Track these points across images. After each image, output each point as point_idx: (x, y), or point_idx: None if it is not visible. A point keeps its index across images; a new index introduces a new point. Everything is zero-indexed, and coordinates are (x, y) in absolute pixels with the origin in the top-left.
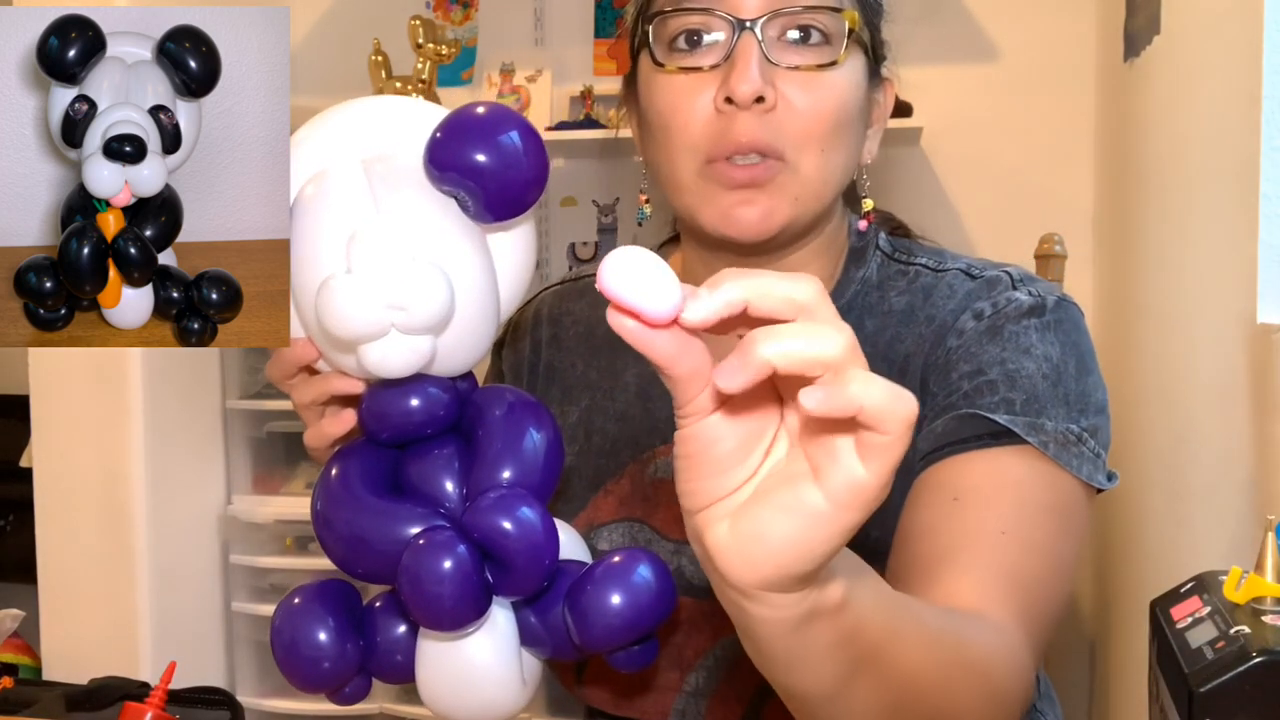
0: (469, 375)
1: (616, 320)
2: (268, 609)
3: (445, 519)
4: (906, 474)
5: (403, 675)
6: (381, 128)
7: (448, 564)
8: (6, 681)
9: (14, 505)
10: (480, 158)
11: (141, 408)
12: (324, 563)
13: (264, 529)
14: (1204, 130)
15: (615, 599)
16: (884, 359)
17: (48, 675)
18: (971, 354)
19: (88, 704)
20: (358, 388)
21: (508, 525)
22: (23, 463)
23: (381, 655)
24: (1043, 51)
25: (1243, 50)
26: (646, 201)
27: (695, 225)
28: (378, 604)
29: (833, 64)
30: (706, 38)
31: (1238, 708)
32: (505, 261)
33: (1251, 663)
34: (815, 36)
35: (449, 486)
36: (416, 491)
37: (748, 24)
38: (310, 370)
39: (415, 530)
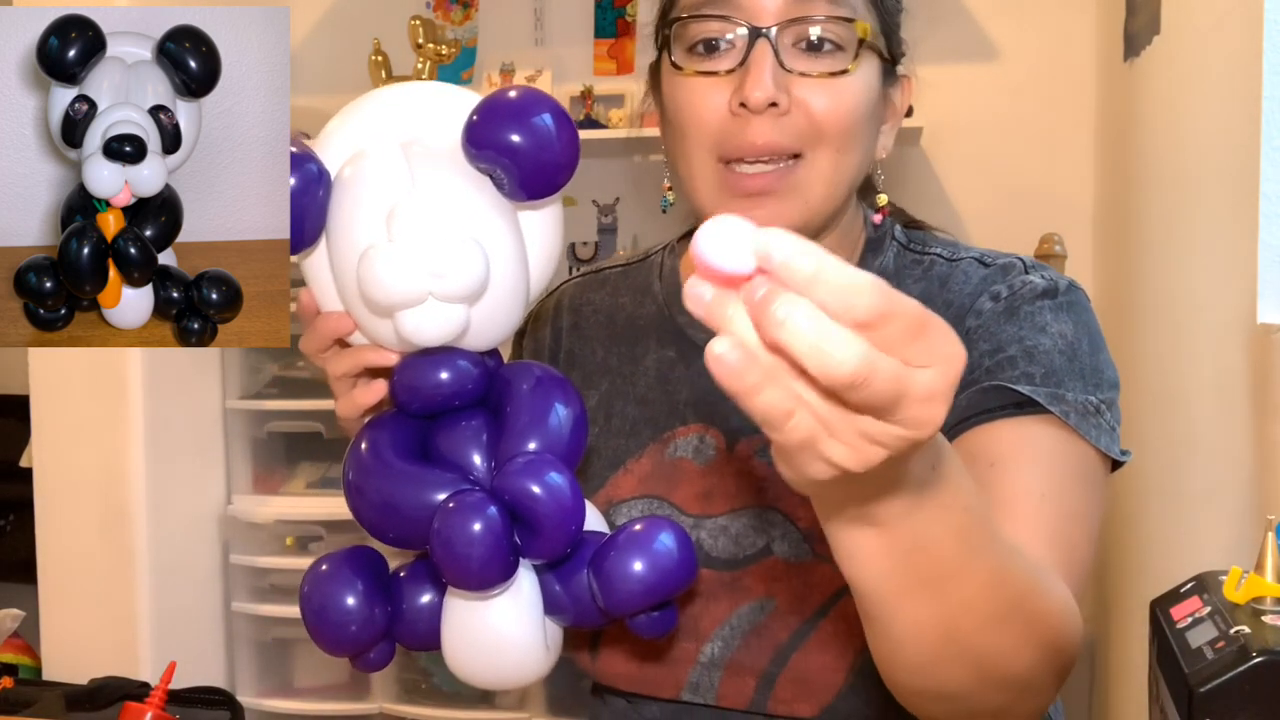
0: (495, 352)
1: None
2: (268, 609)
3: (473, 486)
4: None
5: (427, 642)
6: (415, 112)
7: (478, 525)
8: (6, 681)
9: (14, 505)
10: (516, 137)
11: (141, 408)
12: None
13: (264, 529)
14: (1204, 130)
15: (639, 563)
16: None
17: (48, 675)
18: (990, 333)
19: (88, 704)
20: (390, 360)
21: (537, 489)
22: (23, 463)
23: (407, 622)
24: (1043, 51)
25: (1243, 50)
26: (670, 189)
27: None
28: (403, 573)
29: (844, 72)
30: (723, 44)
31: (1238, 708)
32: (535, 240)
33: (1251, 663)
34: (828, 45)
35: (476, 459)
36: (446, 462)
37: (763, 31)
38: (342, 343)
39: (444, 495)
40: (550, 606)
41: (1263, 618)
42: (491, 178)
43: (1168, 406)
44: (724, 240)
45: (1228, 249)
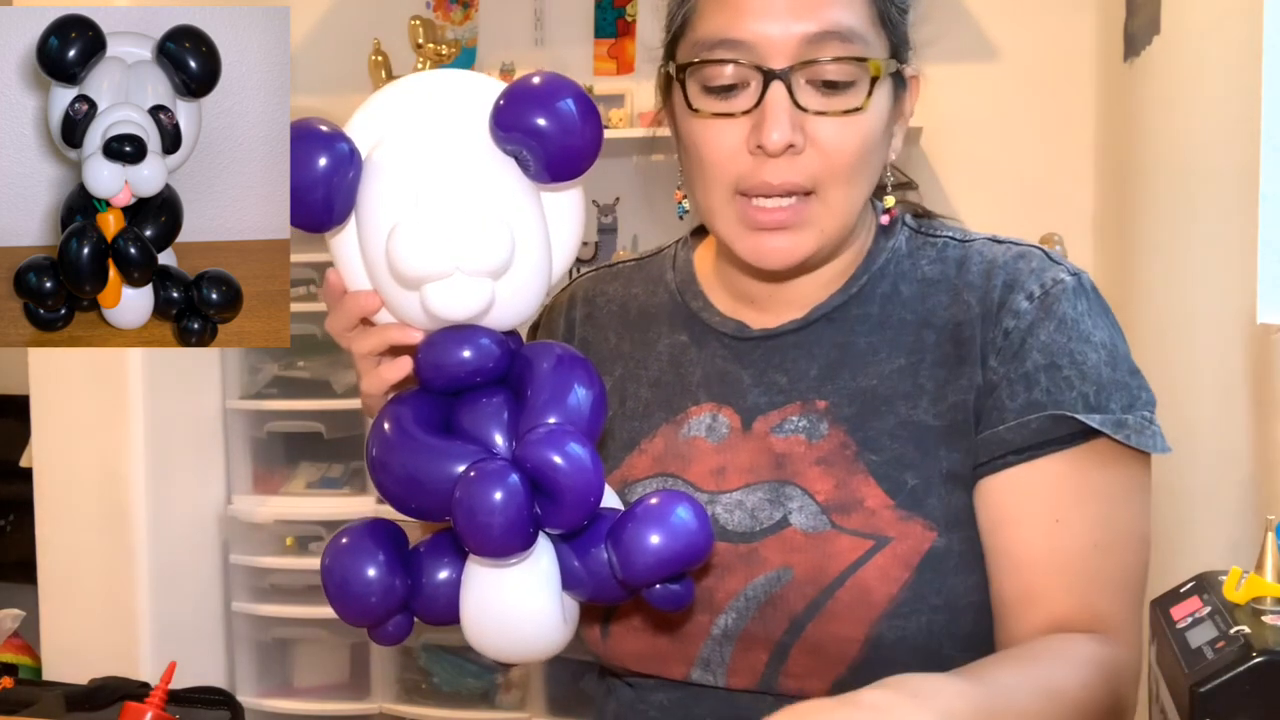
0: (515, 333)
1: None
2: (268, 609)
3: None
4: (949, 433)
5: (445, 616)
6: (442, 97)
7: (499, 493)
8: (6, 681)
9: (14, 505)
10: (541, 120)
11: (141, 408)
12: None
13: (264, 529)
14: (1204, 130)
15: (657, 533)
16: (927, 324)
17: (48, 675)
18: (1039, 341)
19: (88, 704)
20: (415, 337)
21: (558, 459)
22: (23, 463)
23: (425, 596)
24: (1043, 51)
25: (1243, 50)
26: (684, 198)
27: (728, 249)
28: (422, 548)
29: (858, 109)
30: (738, 85)
31: (1238, 708)
32: (557, 222)
33: (1251, 663)
34: (840, 84)
35: (498, 436)
36: (467, 438)
37: (777, 74)
38: (367, 322)
39: (466, 466)
40: (568, 581)
41: (1263, 618)
42: (517, 159)
43: (1168, 407)
44: None
45: (1228, 249)
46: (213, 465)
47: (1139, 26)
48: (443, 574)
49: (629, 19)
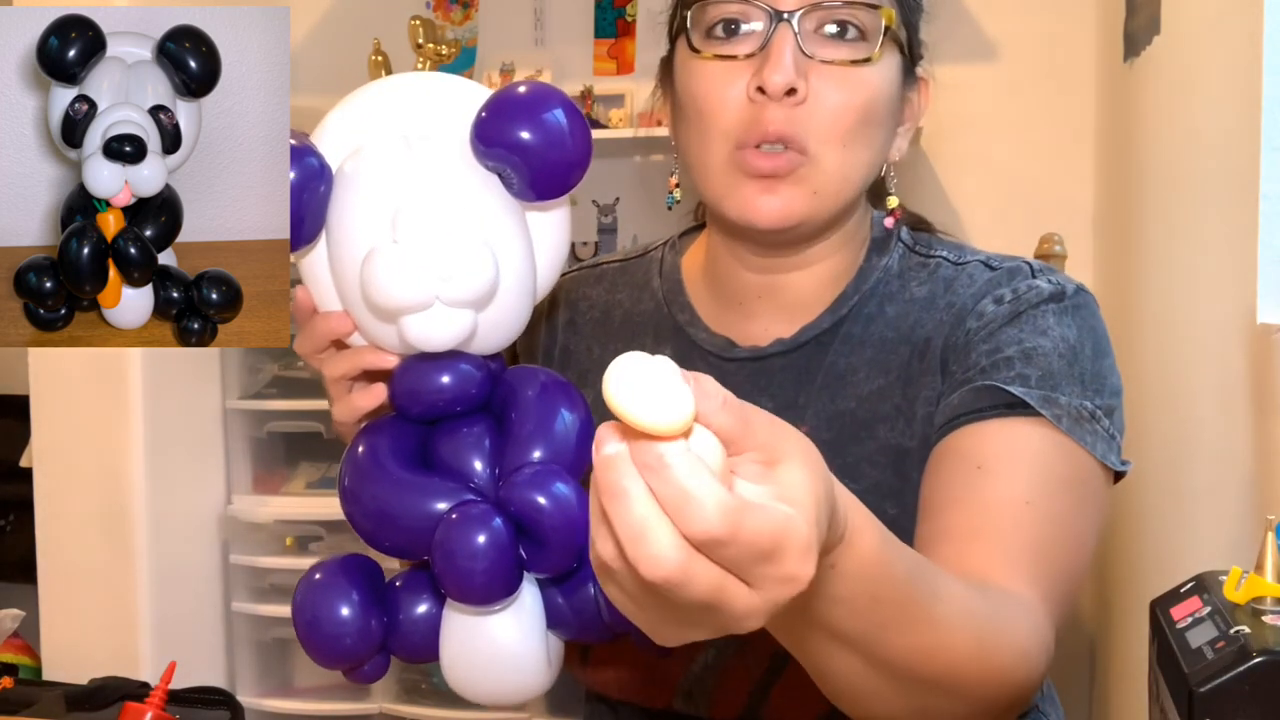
0: (498, 356)
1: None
2: (268, 609)
3: (475, 495)
4: (924, 453)
5: (424, 654)
6: (420, 104)
7: (483, 538)
8: (6, 681)
9: (14, 505)
10: (526, 135)
11: (141, 408)
12: None
13: (264, 529)
14: (1204, 130)
15: None
16: (905, 341)
17: (48, 675)
18: (991, 335)
19: (88, 704)
20: (389, 362)
21: (543, 501)
22: (23, 463)
23: (403, 634)
24: (1043, 51)
25: (1243, 50)
26: (676, 185)
27: (719, 213)
28: (399, 583)
29: (866, 60)
30: (744, 27)
31: (1238, 708)
32: (542, 241)
33: (1251, 663)
34: (851, 32)
35: (478, 466)
36: (446, 468)
37: (785, 16)
38: (339, 345)
39: (445, 505)
40: (553, 620)
41: (1263, 618)
42: (500, 176)
43: (1168, 406)
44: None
45: (1228, 249)
46: (213, 465)
47: (1139, 26)
48: (421, 609)
49: (629, 19)
